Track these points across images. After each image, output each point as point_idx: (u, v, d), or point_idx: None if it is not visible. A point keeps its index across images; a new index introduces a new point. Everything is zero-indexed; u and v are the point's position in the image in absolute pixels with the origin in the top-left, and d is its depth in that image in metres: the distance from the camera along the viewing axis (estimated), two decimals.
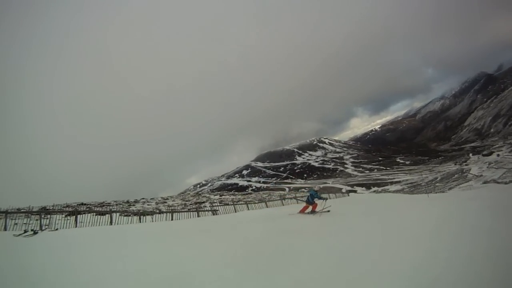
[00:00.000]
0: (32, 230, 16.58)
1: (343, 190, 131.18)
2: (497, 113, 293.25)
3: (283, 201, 36.32)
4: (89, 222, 21.14)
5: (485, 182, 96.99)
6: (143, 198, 61.03)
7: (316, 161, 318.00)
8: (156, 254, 10.14)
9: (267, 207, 32.22)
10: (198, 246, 11.10)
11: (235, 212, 29.04)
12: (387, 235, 10.32)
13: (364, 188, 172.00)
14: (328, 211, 18.72)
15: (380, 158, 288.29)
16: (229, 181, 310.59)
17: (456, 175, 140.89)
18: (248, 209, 30.57)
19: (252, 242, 11.13)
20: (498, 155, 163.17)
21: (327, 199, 20.51)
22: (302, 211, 19.22)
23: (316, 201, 19.12)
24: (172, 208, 36.07)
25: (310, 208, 19.06)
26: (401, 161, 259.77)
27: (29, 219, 23.22)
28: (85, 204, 44.75)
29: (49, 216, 23.59)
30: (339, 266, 7.14)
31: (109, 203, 49.00)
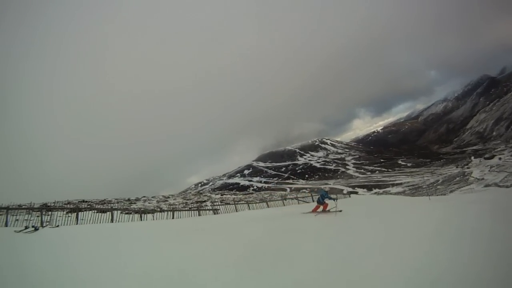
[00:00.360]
0: (33, 226, 16.62)
1: (344, 191, 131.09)
2: (500, 116, 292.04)
3: (284, 201, 36.35)
4: (90, 220, 21.20)
5: (486, 186, 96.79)
6: (144, 196, 60.96)
7: (318, 162, 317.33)
8: (157, 252, 10.15)
9: (268, 207, 32.25)
10: (199, 245, 11.11)
11: (236, 211, 29.10)
12: (388, 236, 10.32)
13: (365, 190, 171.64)
14: (340, 211, 19.18)
15: (382, 160, 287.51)
16: (231, 181, 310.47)
17: (457, 178, 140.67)
18: (249, 209, 30.60)
19: (253, 242, 11.14)
20: (500, 158, 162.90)
21: (337, 199, 21.02)
22: (314, 211, 19.79)
23: (327, 201, 19.80)
24: (173, 206, 36.08)
25: (321, 207, 19.69)
26: (403, 163, 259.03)
27: (30, 215, 23.27)
28: (86, 202, 44.80)
29: (50, 212, 23.64)
30: (340, 266, 7.14)
31: (110, 201, 49.03)
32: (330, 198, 19.86)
